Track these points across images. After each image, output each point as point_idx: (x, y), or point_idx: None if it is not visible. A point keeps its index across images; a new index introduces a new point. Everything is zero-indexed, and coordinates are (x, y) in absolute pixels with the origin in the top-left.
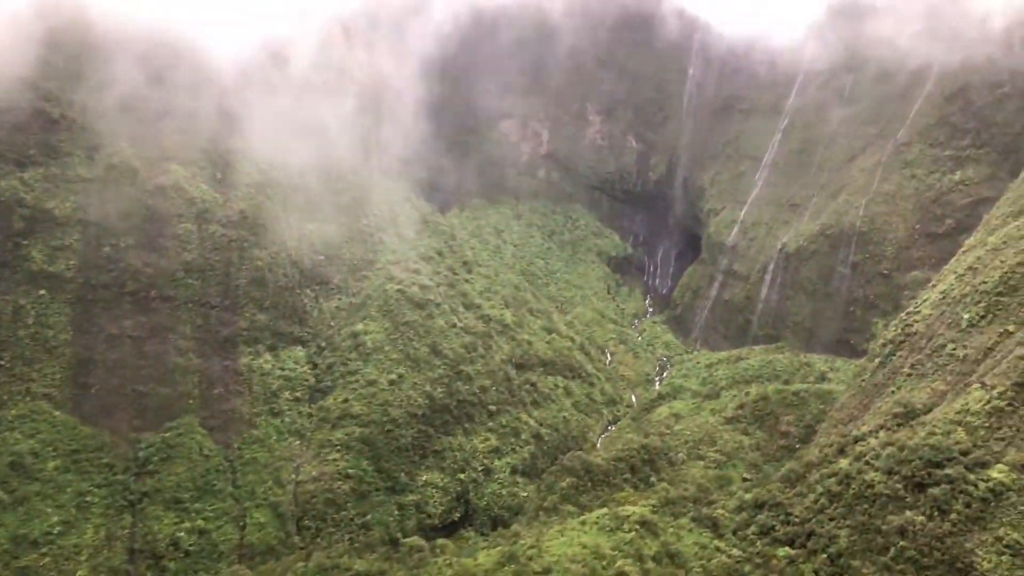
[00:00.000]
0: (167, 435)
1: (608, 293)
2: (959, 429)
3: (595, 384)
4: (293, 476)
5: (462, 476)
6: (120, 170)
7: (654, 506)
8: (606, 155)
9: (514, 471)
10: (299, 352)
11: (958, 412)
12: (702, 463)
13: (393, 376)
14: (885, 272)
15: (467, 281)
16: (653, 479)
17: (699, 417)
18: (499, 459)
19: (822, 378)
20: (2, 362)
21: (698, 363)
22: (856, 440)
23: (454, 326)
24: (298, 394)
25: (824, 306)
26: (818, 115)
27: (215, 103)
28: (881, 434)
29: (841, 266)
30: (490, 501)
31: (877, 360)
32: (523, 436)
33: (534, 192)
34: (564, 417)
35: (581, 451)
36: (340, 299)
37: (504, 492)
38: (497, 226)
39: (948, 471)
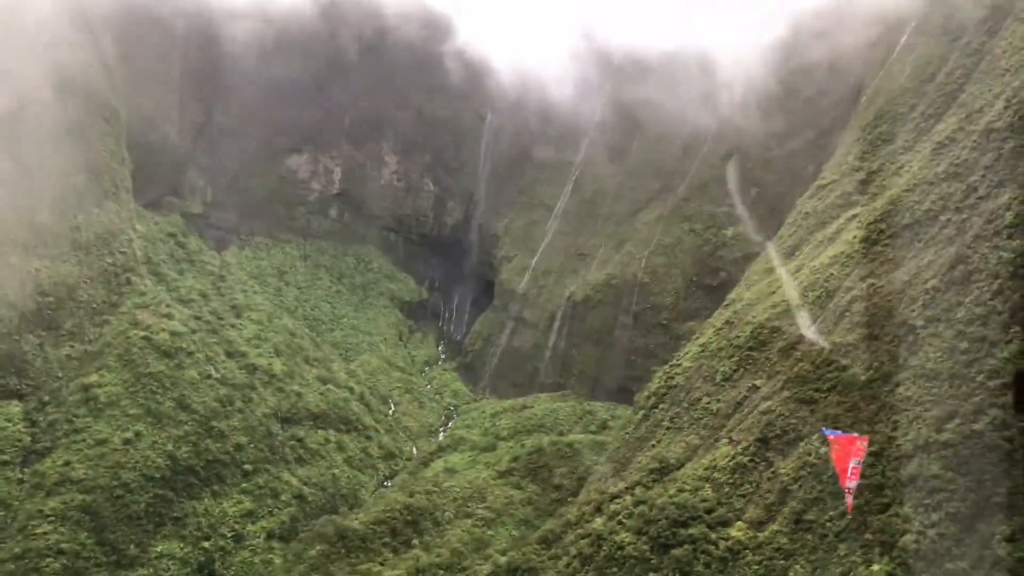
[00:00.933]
0: None
1: (400, 339)
2: (706, 485)
3: (372, 437)
4: None
5: (207, 544)
6: None
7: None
8: (402, 197)
9: (270, 536)
10: (14, 408)
11: (706, 468)
12: (469, 521)
13: (129, 434)
14: (664, 322)
15: (234, 327)
16: (416, 542)
17: (472, 471)
18: (253, 523)
19: (603, 427)
20: None
21: (483, 412)
22: (612, 498)
23: (208, 377)
24: (6, 456)
25: (608, 354)
26: (604, 168)
27: None
28: (637, 490)
29: (624, 315)
30: (239, 570)
31: (641, 412)
32: (283, 497)
33: (324, 232)
34: (333, 474)
35: (337, 515)
36: (72, 347)
37: (256, 560)
38: (281, 267)
39: (692, 530)
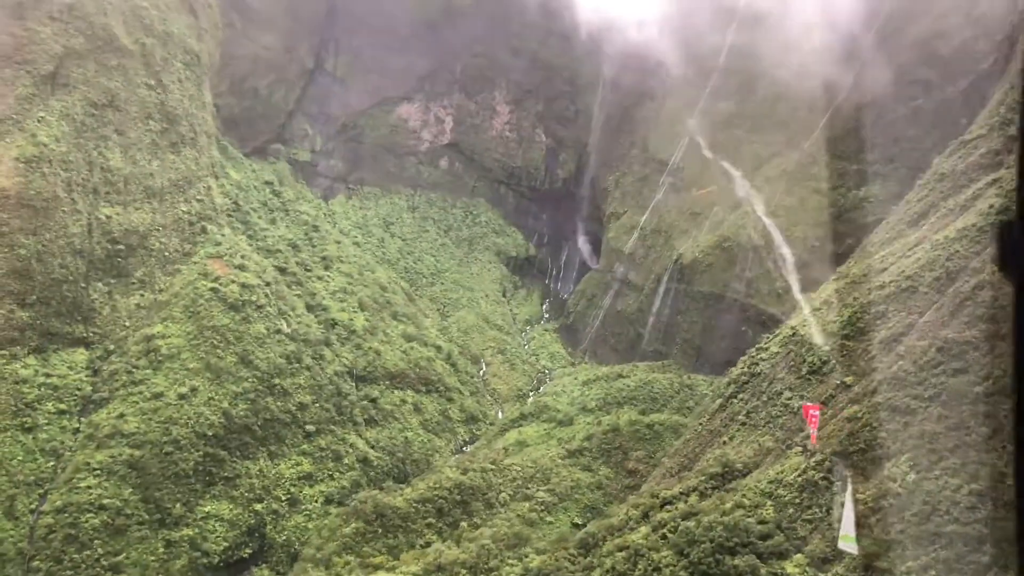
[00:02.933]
0: None
1: (503, 296)
2: (768, 503)
3: (455, 399)
4: (35, 506)
5: (258, 507)
6: None
7: (417, 574)
8: (514, 148)
9: (328, 501)
10: (79, 356)
11: (772, 481)
12: (527, 505)
13: (185, 389)
14: (780, 291)
15: (320, 279)
16: (464, 524)
17: (542, 447)
18: (310, 487)
19: (700, 404)
20: None
21: (576, 379)
22: (663, 504)
23: (277, 332)
24: (64, 406)
25: (715, 323)
26: (722, 122)
27: None
28: (692, 498)
29: (736, 281)
30: (292, 536)
31: (719, 401)
32: (346, 460)
33: (433, 183)
34: (406, 438)
35: (382, 490)
36: (142, 296)
37: (311, 525)
38: (387, 217)
39: (738, 560)
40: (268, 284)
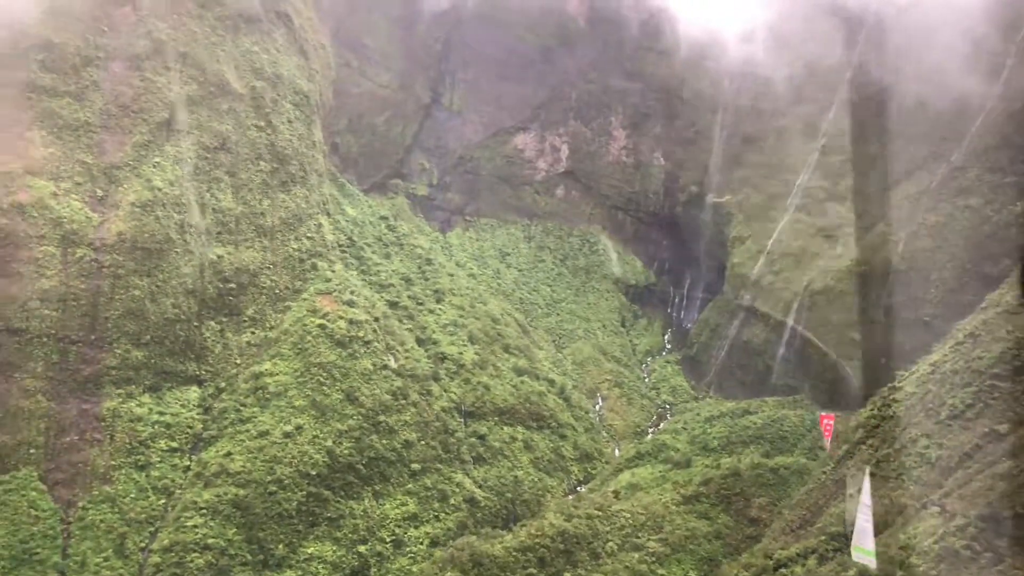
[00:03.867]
0: None
1: (622, 326)
2: (898, 574)
3: (568, 436)
4: (145, 544)
5: (362, 548)
6: None
7: None
8: (631, 173)
9: (434, 543)
10: (192, 393)
11: (902, 547)
12: (636, 556)
13: (290, 427)
14: (926, 319)
15: (432, 312)
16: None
17: (655, 491)
18: (415, 528)
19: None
20: None
21: (698, 415)
22: (778, 567)
23: (383, 368)
24: (176, 443)
25: (851, 356)
26: (856, 134)
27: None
28: (810, 561)
29: (873, 309)
30: None
31: (845, 447)
32: (452, 500)
33: (550, 212)
34: (515, 477)
35: (480, 536)
36: (253, 333)
37: (415, 568)
38: (504, 248)
39: None
40: (376, 319)
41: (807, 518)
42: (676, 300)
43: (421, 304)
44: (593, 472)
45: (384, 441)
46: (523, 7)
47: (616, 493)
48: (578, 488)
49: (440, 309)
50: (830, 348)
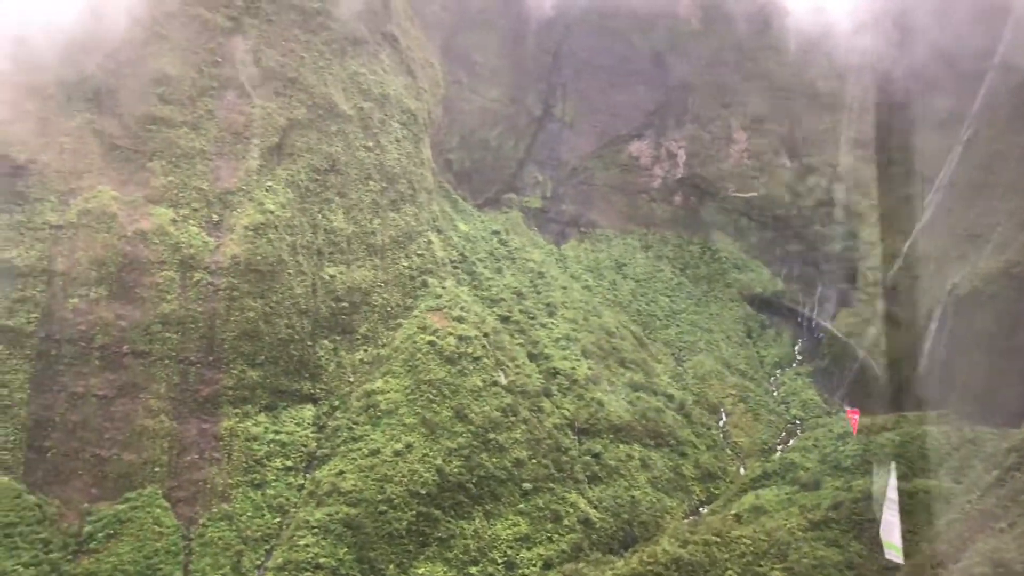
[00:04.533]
0: (121, 507)
1: (748, 337)
2: None
3: (688, 454)
4: (261, 562)
5: (474, 570)
6: (95, 215)
7: None
8: (754, 176)
9: (547, 565)
10: (307, 412)
11: None
12: None
13: (400, 445)
14: None
15: (544, 326)
16: None
17: (780, 516)
18: (528, 550)
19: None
20: None
21: (830, 431)
22: None
23: (493, 384)
24: (291, 462)
25: (1005, 366)
26: (1007, 124)
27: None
28: None
29: None
30: None
31: (995, 473)
32: (566, 521)
33: (668, 220)
34: (632, 497)
35: (594, 559)
36: (366, 351)
37: None
38: (620, 259)
39: None
40: (486, 335)
41: (949, 553)
42: (806, 309)
43: (533, 318)
44: (716, 492)
45: (494, 459)
46: (633, 12)
47: (738, 517)
48: (700, 509)
49: (552, 323)
50: (979, 358)
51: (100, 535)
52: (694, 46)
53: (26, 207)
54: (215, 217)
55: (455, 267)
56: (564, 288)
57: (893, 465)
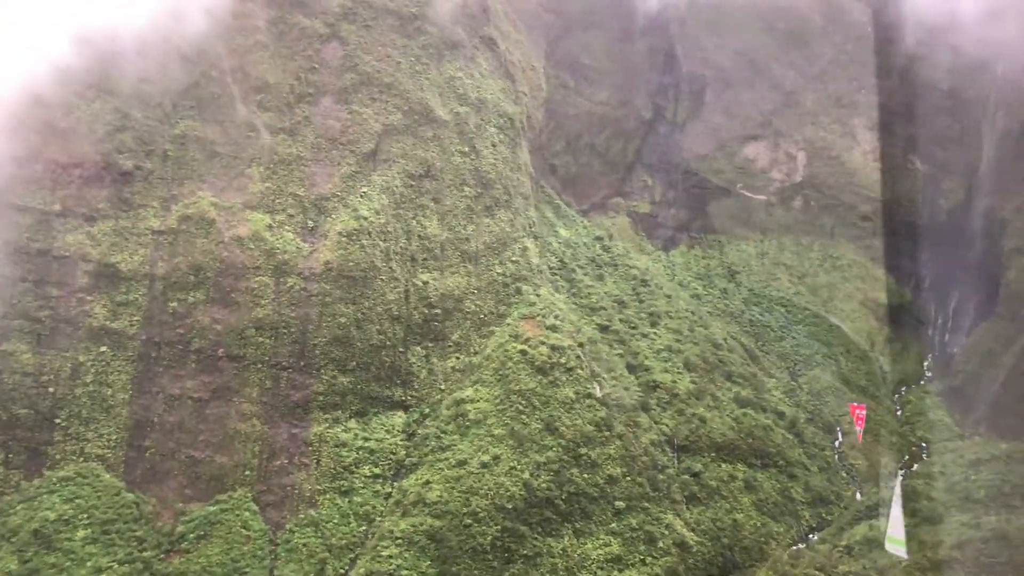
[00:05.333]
0: (213, 509)
1: (870, 351)
2: None
3: (799, 476)
4: (344, 571)
5: None
6: (194, 221)
7: None
8: (880, 180)
9: None
10: (397, 419)
11: None
12: None
13: (487, 457)
14: None
15: (645, 337)
16: None
17: (896, 553)
18: (619, 572)
19: None
20: (58, 421)
21: (961, 457)
22: None
23: (587, 396)
24: (379, 470)
25: None
26: None
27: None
28: None
29: None
30: None
31: None
32: (660, 544)
33: (785, 225)
34: (734, 520)
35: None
36: (458, 359)
37: None
38: (732, 266)
39: None
40: (581, 345)
41: None
42: (939, 322)
43: (634, 328)
44: (828, 518)
45: (585, 475)
46: (752, 11)
47: (848, 549)
48: (809, 536)
49: (655, 333)
50: None
51: (191, 536)
52: (816, 42)
53: (131, 213)
54: (310, 223)
55: (553, 274)
56: (669, 297)
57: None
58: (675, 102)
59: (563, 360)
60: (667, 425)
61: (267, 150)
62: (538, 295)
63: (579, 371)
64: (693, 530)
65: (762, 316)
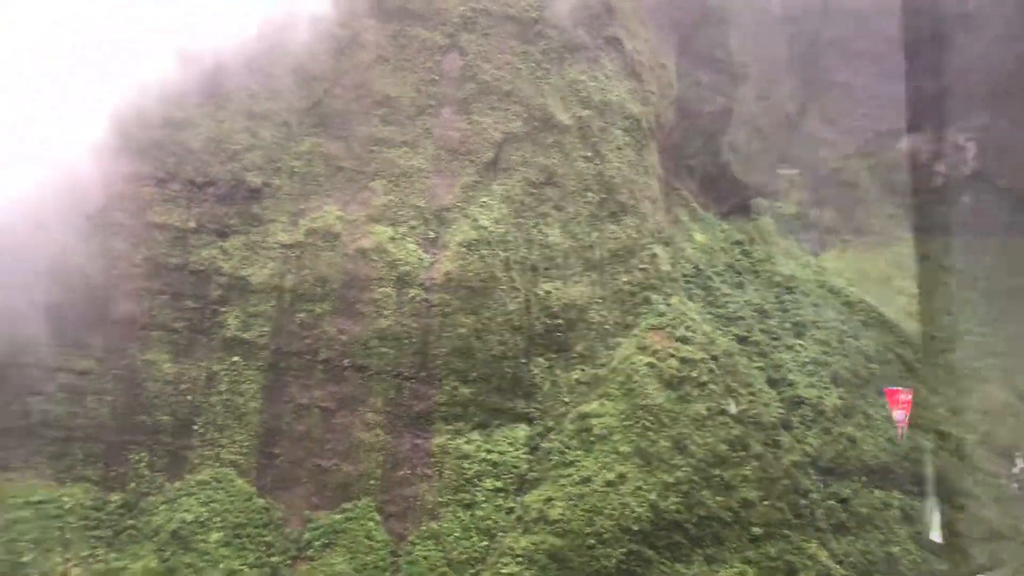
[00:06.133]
0: (338, 517)
1: None
2: None
3: (966, 507)
4: None
5: None
6: (320, 234)
7: None
8: None
9: None
10: (520, 432)
11: None
12: None
13: (612, 475)
14: None
15: (790, 348)
16: None
17: None
18: None
19: None
20: (196, 427)
21: None
22: None
23: (721, 413)
24: (501, 484)
25: None
26: None
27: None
28: None
29: None
30: None
31: None
32: (802, 575)
33: (954, 224)
34: (889, 554)
35: None
36: (583, 371)
37: None
38: (890, 270)
39: None
40: (715, 357)
41: None
42: None
43: (776, 339)
44: (1002, 557)
45: (718, 498)
46: None
47: None
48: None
49: (800, 345)
50: None
51: (317, 543)
52: (985, 18)
53: (260, 228)
54: (431, 234)
55: (687, 282)
56: (817, 305)
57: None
58: (822, 94)
59: (694, 374)
60: (811, 445)
61: (389, 163)
62: (668, 304)
63: (712, 385)
64: (840, 562)
65: (924, 326)
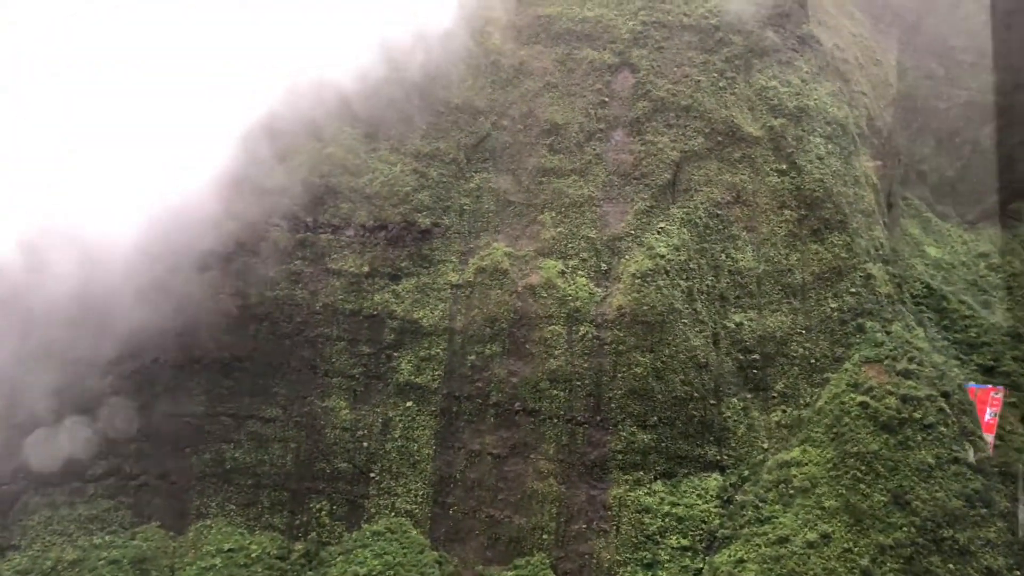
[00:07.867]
0: (511, 575)
1: None
2: None
3: None
4: None
5: None
6: (489, 272)
7: None
8: None
9: None
10: (711, 482)
11: None
12: None
13: (814, 535)
14: None
15: None
16: None
17: None
18: None
19: None
20: (372, 475)
21: None
22: None
23: (954, 461)
24: (687, 541)
25: None
26: None
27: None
28: None
29: None
30: None
31: None
32: None
33: None
34: None
35: None
36: (784, 412)
37: None
38: None
39: None
40: (946, 395)
41: None
42: None
43: None
44: None
45: (951, 565)
46: None
47: None
48: None
49: None
50: None
51: None
52: None
53: (431, 269)
54: (603, 266)
55: (916, 304)
56: None
57: None
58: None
59: (919, 415)
60: None
61: (558, 194)
62: (887, 333)
63: (942, 428)
64: None
65: None
